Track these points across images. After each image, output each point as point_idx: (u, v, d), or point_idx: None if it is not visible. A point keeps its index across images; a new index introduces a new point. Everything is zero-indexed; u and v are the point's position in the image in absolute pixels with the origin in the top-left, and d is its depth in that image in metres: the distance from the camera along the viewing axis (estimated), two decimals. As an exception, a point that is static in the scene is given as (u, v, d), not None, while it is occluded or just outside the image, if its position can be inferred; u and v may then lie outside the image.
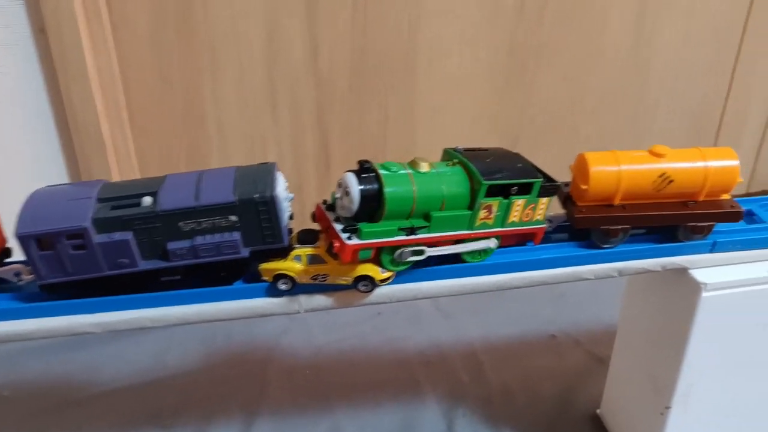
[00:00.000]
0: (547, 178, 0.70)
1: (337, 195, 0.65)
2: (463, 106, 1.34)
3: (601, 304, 1.25)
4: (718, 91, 1.46)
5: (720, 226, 0.74)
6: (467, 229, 0.68)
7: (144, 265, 0.64)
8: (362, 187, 0.63)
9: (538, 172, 0.70)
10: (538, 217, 0.71)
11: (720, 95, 1.47)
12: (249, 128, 1.25)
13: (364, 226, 0.63)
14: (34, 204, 0.64)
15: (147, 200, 0.64)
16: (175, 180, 0.66)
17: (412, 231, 0.65)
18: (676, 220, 0.73)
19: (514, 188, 0.67)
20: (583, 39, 1.31)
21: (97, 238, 0.62)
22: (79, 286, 0.64)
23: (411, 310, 1.26)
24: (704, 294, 0.73)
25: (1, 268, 0.67)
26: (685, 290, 0.75)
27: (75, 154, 1.14)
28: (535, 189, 0.68)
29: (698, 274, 0.73)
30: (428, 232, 0.66)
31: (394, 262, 0.66)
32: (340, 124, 1.29)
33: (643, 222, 0.73)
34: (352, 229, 0.64)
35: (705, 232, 0.74)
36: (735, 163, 0.72)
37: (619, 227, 0.72)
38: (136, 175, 1.21)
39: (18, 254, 0.65)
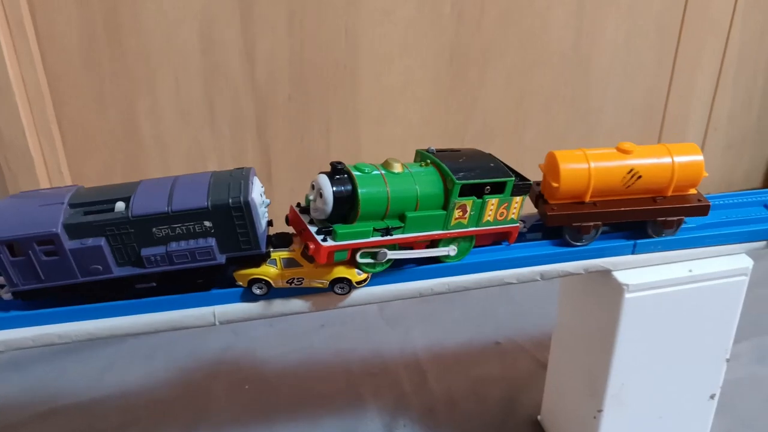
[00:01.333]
0: (520, 177, 0.71)
1: (311, 197, 0.65)
2: (407, 113, 1.33)
3: (549, 309, 1.25)
4: (660, 89, 1.49)
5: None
6: (442, 229, 0.68)
7: (119, 271, 0.63)
8: (335, 188, 0.63)
9: (510, 171, 0.70)
10: (513, 216, 0.72)
11: (662, 92, 1.49)
12: (188, 141, 1.23)
13: (339, 228, 0.63)
14: (5, 209, 0.63)
15: (120, 206, 0.63)
16: (149, 185, 0.65)
17: (387, 232, 0.65)
18: (646, 216, 0.74)
19: (488, 188, 0.68)
20: (523, 41, 1.32)
21: (69, 244, 0.61)
22: (53, 292, 0.63)
23: (357, 320, 1.25)
24: (627, 295, 0.73)
25: None
26: (609, 292, 0.75)
27: (0, 169, 1.11)
28: (508, 188, 0.69)
29: (621, 276, 0.74)
30: (403, 233, 0.66)
31: (371, 264, 0.66)
32: (281, 135, 1.27)
33: (613, 218, 0.74)
34: (326, 231, 0.63)
35: (674, 226, 0.75)
36: (700, 158, 0.74)
37: (591, 224, 0.73)
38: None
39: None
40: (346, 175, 0.64)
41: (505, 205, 0.70)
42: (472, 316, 1.25)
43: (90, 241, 0.61)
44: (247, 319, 0.68)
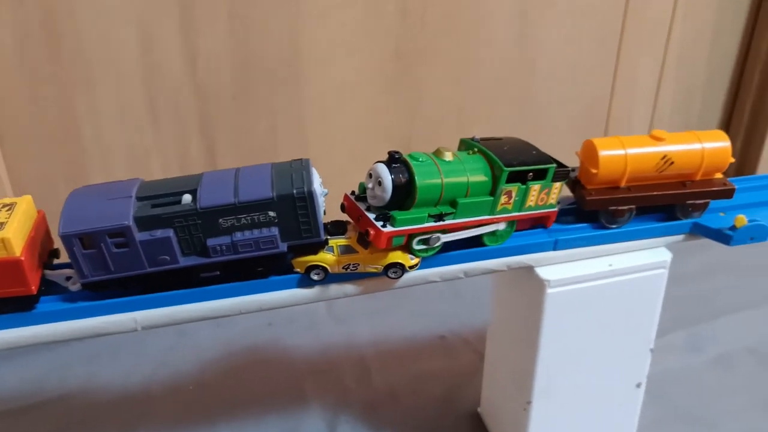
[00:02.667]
0: (559, 164, 0.74)
1: (369, 185, 0.68)
2: (353, 112, 1.34)
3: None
4: (604, 89, 1.52)
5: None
6: (489, 214, 0.72)
7: (184, 261, 0.65)
8: (394, 176, 0.66)
9: (551, 159, 0.73)
10: (552, 201, 0.76)
11: (605, 92, 1.52)
12: (130, 141, 1.22)
13: (398, 214, 0.66)
14: (75, 204, 0.64)
15: (187, 198, 0.65)
16: (213, 178, 0.67)
17: (440, 217, 0.68)
18: (677, 199, 0.79)
19: (530, 174, 0.71)
20: (467, 41, 1.34)
21: (139, 236, 0.63)
22: (121, 283, 0.65)
23: (305, 319, 1.25)
24: (549, 290, 0.75)
25: (53, 272, 0.68)
26: (533, 288, 0.77)
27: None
28: (550, 174, 0.73)
29: (542, 272, 0.76)
30: (454, 218, 0.69)
31: (424, 249, 0.70)
32: (226, 134, 1.27)
33: (647, 201, 0.78)
34: (385, 217, 0.66)
35: (701, 209, 0.80)
36: (727, 144, 0.78)
37: (626, 207, 0.77)
38: (8, 195, 1.17)
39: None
40: (403, 165, 0.67)
41: (546, 190, 0.74)
42: (419, 311, 1.27)
43: (159, 233, 0.63)
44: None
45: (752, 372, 1.12)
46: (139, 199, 0.65)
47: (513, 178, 0.70)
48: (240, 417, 1.03)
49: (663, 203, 0.79)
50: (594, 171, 0.76)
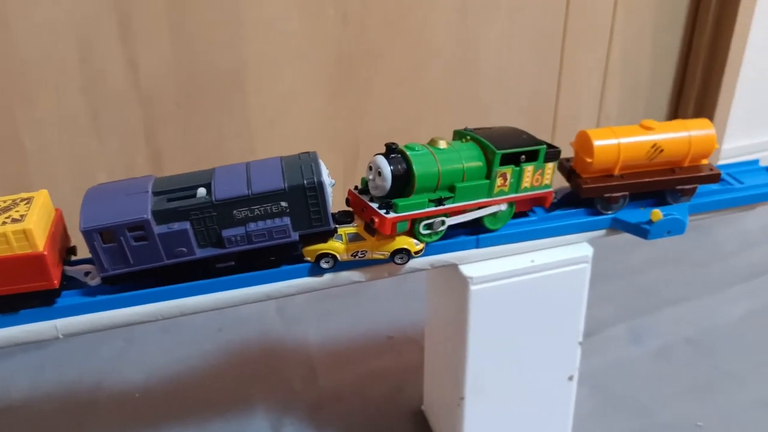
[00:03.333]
0: (549, 146, 0.78)
1: (370, 177, 0.72)
2: (301, 119, 1.35)
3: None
4: (549, 89, 1.55)
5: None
6: (487, 197, 0.76)
7: (201, 253, 0.68)
8: (393, 167, 0.70)
9: (541, 141, 0.78)
10: (546, 182, 0.80)
11: (551, 92, 1.55)
12: (73, 152, 1.22)
13: (399, 201, 0.70)
14: (94, 200, 0.67)
15: (202, 191, 0.67)
16: (224, 171, 0.70)
17: (440, 202, 0.73)
18: (667, 185, 0.84)
19: (523, 156, 0.76)
20: (409, 43, 1.36)
21: (157, 229, 0.65)
22: (138, 276, 0.68)
23: (255, 323, 1.26)
24: (472, 287, 0.77)
25: (72, 268, 0.70)
26: (458, 285, 0.79)
27: None
28: (541, 155, 0.77)
29: (466, 269, 0.77)
30: (454, 202, 0.74)
31: (428, 234, 0.74)
32: (172, 143, 1.27)
33: (639, 188, 0.83)
34: (387, 205, 0.71)
35: (690, 194, 0.85)
36: (712, 131, 0.84)
37: (620, 194, 0.82)
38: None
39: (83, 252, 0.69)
40: (400, 155, 0.71)
41: (540, 171, 0.78)
42: (368, 313, 1.28)
43: (176, 225, 0.66)
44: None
45: (689, 361, 1.16)
46: (155, 194, 0.68)
47: (506, 160, 0.75)
48: (184, 423, 1.04)
49: (654, 189, 0.84)
50: (589, 160, 0.81)
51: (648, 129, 0.83)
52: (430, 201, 0.72)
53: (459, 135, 0.80)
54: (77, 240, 0.71)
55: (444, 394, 0.93)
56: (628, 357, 1.17)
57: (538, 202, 0.81)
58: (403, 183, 0.71)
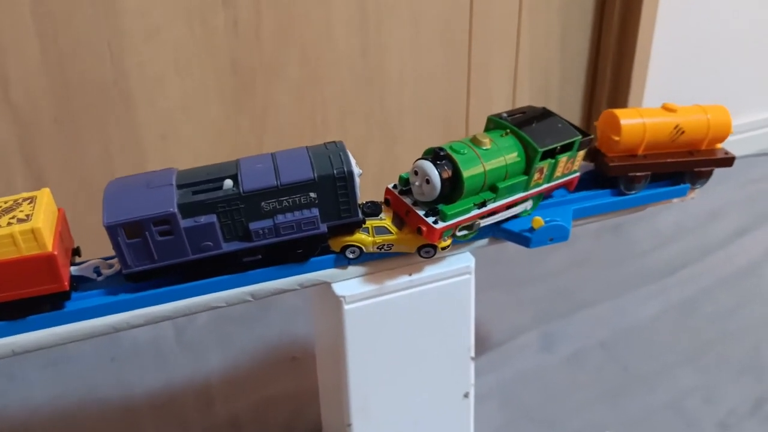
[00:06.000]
0: (583, 134, 0.78)
1: (416, 183, 0.69)
2: (196, 133, 1.29)
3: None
4: (459, 92, 1.52)
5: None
6: (524, 191, 0.76)
7: (227, 246, 0.65)
8: (441, 173, 0.68)
9: (576, 130, 0.78)
10: (576, 168, 0.81)
11: (461, 96, 1.52)
12: (-57, 175, 1.13)
13: (448, 209, 0.68)
14: (116, 194, 0.63)
15: (228, 183, 0.65)
16: (250, 162, 0.67)
17: (483, 204, 0.72)
18: (687, 167, 0.87)
19: (558, 147, 0.75)
20: (309, 52, 1.31)
21: (184, 222, 0.63)
22: (162, 272, 0.65)
23: (152, 350, 1.19)
24: (346, 307, 0.72)
25: (81, 266, 0.67)
26: (333, 305, 0.74)
27: None
28: (576, 145, 0.78)
29: (339, 288, 0.73)
30: (495, 202, 0.73)
31: (465, 235, 0.73)
32: (54, 161, 1.19)
33: (662, 168, 0.86)
34: (434, 212, 0.69)
35: (707, 176, 0.89)
36: (728, 117, 0.87)
37: (643, 174, 0.84)
38: None
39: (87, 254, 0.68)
40: (448, 160, 0.69)
41: (572, 160, 0.79)
42: (272, 334, 1.22)
43: (203, 219, 0.63)
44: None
45: (601, 366, 1.13)
46: (179, 186, 0.64)
47: (545, 155, 0.74)
48: (65, 466, 0.96)
49: (675, 170, 0.87)
50: (616, 138, 0.83)
51: (671, 111, 0.85)
52: (474, 205, 0.71)
53: (494, 124, 0.78)
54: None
55: (335, 419, 0.88)
56: (540, 365, 1.14)
57: (564, 184, 0.82)
58: (450, 187, 0.70)
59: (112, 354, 1.17)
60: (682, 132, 0.85)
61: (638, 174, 0.85)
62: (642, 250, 1.46)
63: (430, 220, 0.68)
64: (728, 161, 0.88)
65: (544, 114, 0.80)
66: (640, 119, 0.84)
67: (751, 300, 1.28)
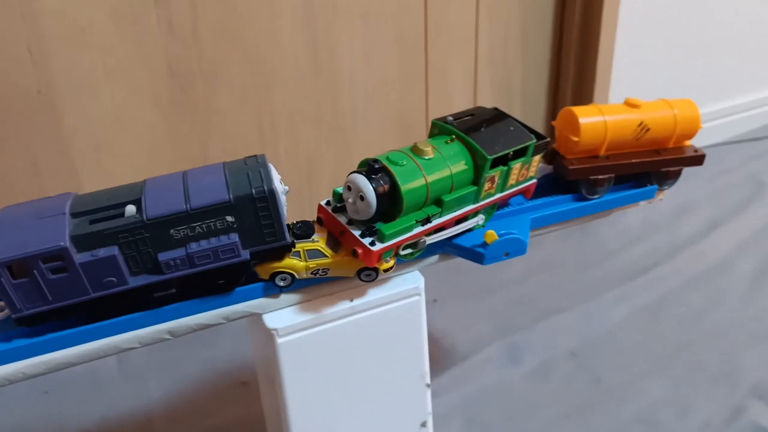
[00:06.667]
0: (539, 137, 0.71)
1: (349, 200, 0.62)
2: (133, 141, 1.19)
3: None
4: (417, 93, 1.44)
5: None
6: (474, 203, 0.68)
7: (134, 281, 0.58)
8: (376, 187, 0.60)
9: (528, 131, 0.71)
10: (531, 174, 0.74)
11: (419, 96, 1.45)
12: None
13: (385, 228, 0.61)
14: (0, 227, 0.55)
15: (131, 209, 0.57)
16: (157, 183, 0.60)
17: (427, 220, 0.64)
18: (653, 167, 0.81)
19: (511, 153, 0.68)
20: (252, 53, 1.22)
21: (79, 257, 0.55)
22: (62, 313, 0.57)
23: (90, 379, 1.10)
24: (279, 340, 0.65)
25: None
26: (265, 337, 0.66)
27: None
28: (530, 150, 0.70)
29: (270, 320, 0.65)
30: (440, 217, 0.65)
31: (410, 253, 0.66)
32: (-26, 178, 1.09)
33: (626, 169, 0.80)
34: (371, 232, 0.61)
35: (675, 176, 0.83)
36: (696, 111, 0.81)
37: (606, 176, 0.78)
38: None
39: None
40: (384, 173, 0.61)
41: (527, 166, 0.72)
42: (221, 358, 1.14)
43: (102, 252, 0.56)
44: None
45: (569, 378, 1.07)
46: (74, 215, 0.57)
47: (495, 162, 0.67)
48: None
49: (640, 170, 0.80)
50: (575, 139, 0.76)
51: (634, 107, 0.79)
52: (417, 222, 0.63)
53: (440, 129, 0.69)
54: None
55: (280, 456, 0.80)
56: (505, 379, 1.07)
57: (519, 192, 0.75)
58: (388, 203, 0.61)
59: (45, 387, 1.08)
60: (647, 129, 0.79)
61: (600, 177, 0.78)
62: (609, 250, 1.41)
63: (366, 241, 0.60)
64: (698, 159, 0.82)
65: (496, 116, 0.72)
66: (601, 117, 0.77)
67: (722, 299, 1.23)
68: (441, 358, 1.12)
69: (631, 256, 1.38)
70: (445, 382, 1.06)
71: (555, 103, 1.66)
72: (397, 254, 0.65)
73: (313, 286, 0.67)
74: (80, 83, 1.10)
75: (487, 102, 1.54)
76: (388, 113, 1.42)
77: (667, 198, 0.85)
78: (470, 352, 1.13)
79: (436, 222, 0.65)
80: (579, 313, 1.22)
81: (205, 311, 0.63)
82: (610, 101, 1.63)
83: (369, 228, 0.62)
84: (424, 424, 0.79)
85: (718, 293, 1.25)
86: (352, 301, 0.67)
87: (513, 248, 0.70)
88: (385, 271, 0.65)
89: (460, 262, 0.72)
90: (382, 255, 0.62)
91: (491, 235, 0.69)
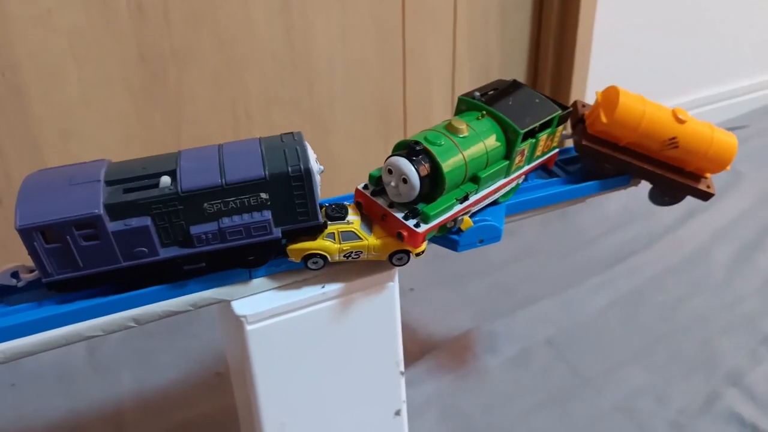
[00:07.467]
0: (562, 107, 0.72)
1: (391, 183, 0.61)
2: (101, 127, 1.16)
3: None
4: (394, 78, 1.43)
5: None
6: (505, 177, 0.68)
7: (165, 253, 0.57)
8: (418, 170, 0.59)
9: (554, 104, 0.71)
10: (554, 144, 0.75)
11: (396, 81, 1.43)
12: None
13: (429, 209, 0.61)
14: (34, 191, 0.54)
15: (165, 180, 0.56)
16: (193, 156, 0.58)
17: (466, 198, 0.64)
18: (661, 183, 0.78)
19: (537, 125, 0.68)
20: (225, 36, 1.19)
21: (112, 225, 0.54)
22: (90, 280, 0.56)
23: (56, 372, 1.07)
24: (249, 327, 0.63)
25: None
26: (235, 324, 0.64)
27: None
28: (555, 121, 0.71)
29: (239, 307, 0.63)
30: (477, 193, 0.65)
31: (442, 230, 0.65)
32: (-64, 166, 1.06)
33: (634, 172, 0.77)
34: (413, 213, 0.61)
35: (677, 200, 0.80)
36: (731, 154, 0.75)
37: (612, 168, 0.77)
38: None
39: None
40: (424, 154, 0.61)
41: (552, 137, 0.73)
42: (195, 348, 1.12)
43: (135, 222, 0.55)
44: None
45: (547, 367, 1.07)
46: (108, 183, 0.56)
47: (525, 136, 0.68)
48: None
49: (645, 179, 0.78)
50: (604, 120, 0.74)
51: (677, 120, 0.75)
52: (456, 200, 0.62)
53: (467, 105, 0.69)
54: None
55: (252, 447, 0.79)
56: (483, 368, 1.06)
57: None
58: (430, 184, 0.61)
59: (12, 379, 1.05)
60: (676, 147, 0.75)
61: (606, 165, 0.77)
62: (589, 237, 1.41)
63: (410, 223, 0.60)
64: (705, 195, 0.78)
65: (518, 89, 0.72)
66: (639, 113, 0.73)
67: (701, 288, 1.24)
68: (417, 347, 1.11)
69: (610, 243, 1.38)
70: (421, 372, 1.04)
71: (534, 85, 1.65)
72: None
73: (284, 272, 0.65)
74: (47, 67, 1.07)
75: (464, 85, 1.53)
76: (366, 98, 1.40)
77: (644, 185, 0.84)
78: (447, 341, 1.12)
79: (473, 199, 0.65)
80: (558, 300, 1.21)
81: (172, 298, 0.60)
82: (590, 82, 1.62)
83: (412, 210, 0.61)
84: (398, 413, 0.78)
85: (696, 281, 1.26)
86: (323, 287, 0.65)
87: (487, 235, 0.69)
88: (417, 255, 0.64)
89: (437, 249, 0.71)
90: (426, 236, 0.61)
91: (466, 221, 0.67)
